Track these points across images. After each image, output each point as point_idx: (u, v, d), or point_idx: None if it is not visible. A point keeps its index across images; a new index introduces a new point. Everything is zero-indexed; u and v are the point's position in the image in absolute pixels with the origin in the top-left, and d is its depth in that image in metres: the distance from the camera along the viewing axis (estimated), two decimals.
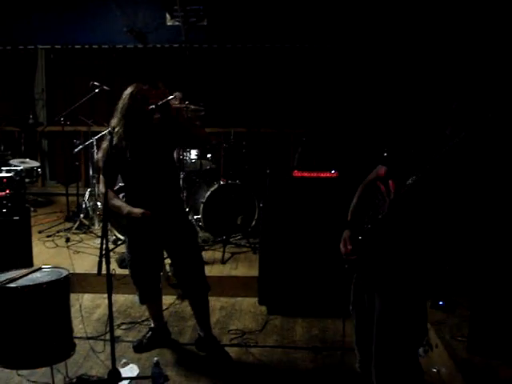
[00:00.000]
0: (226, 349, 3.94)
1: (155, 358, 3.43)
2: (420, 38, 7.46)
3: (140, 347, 3.97)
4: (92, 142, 6.54)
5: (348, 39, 7.90)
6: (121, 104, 3.53)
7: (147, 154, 3.56)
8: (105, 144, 3.56)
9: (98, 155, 3.73)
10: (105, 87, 6.44)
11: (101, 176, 3.70)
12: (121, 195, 3.88)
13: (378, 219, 2.60)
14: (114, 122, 3.57)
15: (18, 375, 3.53)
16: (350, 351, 3.53)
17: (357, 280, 2.95)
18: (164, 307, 4.30)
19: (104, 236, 3.18)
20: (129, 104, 3.49)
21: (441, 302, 4.21)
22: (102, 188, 3.64)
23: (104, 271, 3.13)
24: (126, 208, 3.55)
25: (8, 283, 3.12)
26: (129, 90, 3.52)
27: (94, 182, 6.86)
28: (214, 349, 3.88)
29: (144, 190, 3.63)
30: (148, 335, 4.04)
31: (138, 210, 3.50)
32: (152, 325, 4.08)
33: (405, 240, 2.61)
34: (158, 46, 8.45)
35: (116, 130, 3.52)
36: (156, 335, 4.04)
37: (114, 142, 3.42)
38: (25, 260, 4.59)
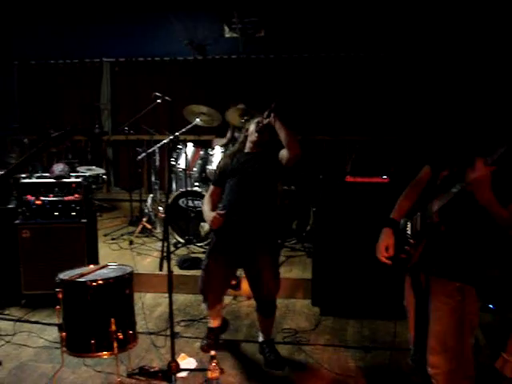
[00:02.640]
0: (279, 346, 4.12)
1: (212, 352, 3.56)
2: (480, 47, 7.50)
3: (206, 348, 4.05)
4: (154, 150, 6.81)
5: (403, 48, 7.98)
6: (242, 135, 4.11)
7: (253, 171, 3.85)
8: (221, 162, 4.12)
9: (216, 171, 4.15)
10: (166, 98, 6.73)
11: (211, 186, 4.15)
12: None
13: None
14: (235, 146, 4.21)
15: (85, 365, 3.80)
16: (400, 351, 3.65)
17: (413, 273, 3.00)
18: None
19: (165, 238, 3.45)
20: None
21: (491, 305, 4.25)
22: (206, 195, 4.15)
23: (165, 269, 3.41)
24: (206, 213, 3.96)
25: (78, 278, 3.41)
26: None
27: (156, 188, 7.15)
28: (270, 354, 3.98)
29: (241, 202, 3.84)
30: (211, 336, 4.16)
31: (211, 215, 3.81)
32: (211, 325, 4.18)
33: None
34: (217, 57, 8.72)
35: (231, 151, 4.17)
36: (217, 334, 4.20)
37: (227, 161, 4.00)
38: (92, 260, 4.89)
